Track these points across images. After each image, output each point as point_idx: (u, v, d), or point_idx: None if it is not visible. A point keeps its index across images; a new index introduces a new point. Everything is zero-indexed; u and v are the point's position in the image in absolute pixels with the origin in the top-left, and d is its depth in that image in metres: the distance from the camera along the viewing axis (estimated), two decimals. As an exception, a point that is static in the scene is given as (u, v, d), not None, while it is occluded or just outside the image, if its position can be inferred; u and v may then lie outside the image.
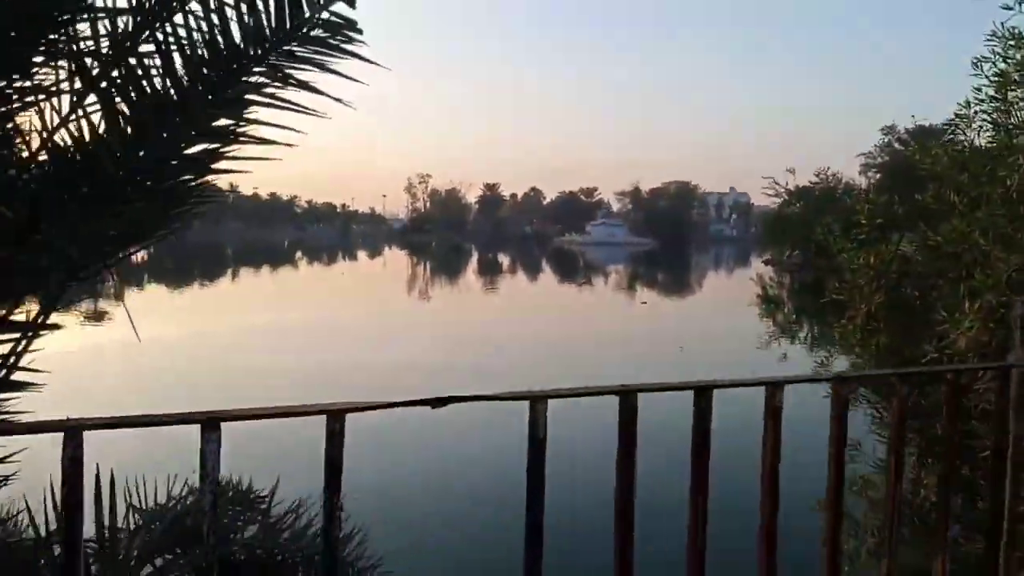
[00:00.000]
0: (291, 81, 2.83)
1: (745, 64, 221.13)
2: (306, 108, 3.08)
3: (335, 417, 1.38)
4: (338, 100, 2.98)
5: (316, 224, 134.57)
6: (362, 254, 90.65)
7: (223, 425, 1.41)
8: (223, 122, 3.13)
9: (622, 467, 1.52)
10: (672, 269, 67.33)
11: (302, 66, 2.95)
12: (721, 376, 1.68)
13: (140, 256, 74.57)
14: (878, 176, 33.28)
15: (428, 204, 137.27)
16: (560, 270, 65.67)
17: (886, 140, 36.76)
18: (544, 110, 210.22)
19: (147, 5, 2.55)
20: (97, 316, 27.87)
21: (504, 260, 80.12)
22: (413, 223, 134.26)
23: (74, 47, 2.53)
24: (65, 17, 2.46)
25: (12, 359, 2.74)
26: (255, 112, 3.12)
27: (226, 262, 67.57)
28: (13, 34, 2.38)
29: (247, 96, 2.98)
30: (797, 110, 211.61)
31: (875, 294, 4.55)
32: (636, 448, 1.51)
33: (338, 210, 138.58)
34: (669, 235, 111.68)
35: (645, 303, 34.65)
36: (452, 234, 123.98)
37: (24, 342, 2.75)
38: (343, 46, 3.13)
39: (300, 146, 3.14)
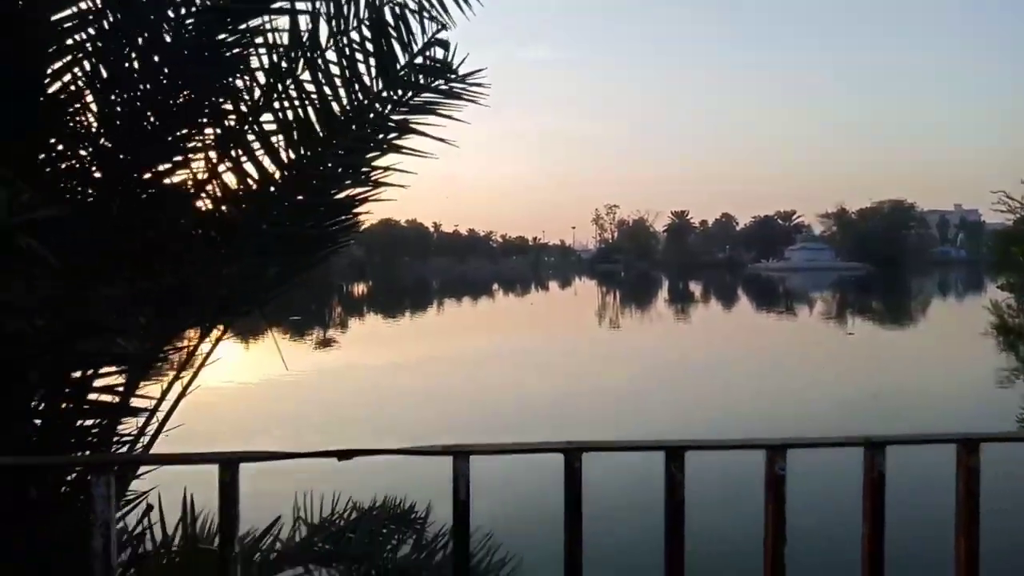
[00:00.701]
0: (391, 126, 3.00)
1: (970, 64, 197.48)
2: (417, 151, 3.26)
3: (227, 467, 1.32)
4: (442, 140, 3.13)
5: (511, 257, 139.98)
6: (553, 284, 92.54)
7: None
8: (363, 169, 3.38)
9: (569, 533, 1.36)
10: (886, 296, 60.83)
11: (404, 111, 3.13)
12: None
13: (360, 289, 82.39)
14: None
15: (616, 234, 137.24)
16: (755, 298, 62.10)
17: None
18: (736, 129, 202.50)
19: (271, 76, 2.85)
20: (326, 343, 31.34)
21: (695, 288, 77.50)
22: (601, 253, 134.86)
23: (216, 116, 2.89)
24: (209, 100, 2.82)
25: (178, 387, 3.14)
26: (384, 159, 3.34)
27: (431, 295, 72.38)
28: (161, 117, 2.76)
29: (370, 143, 3.20)
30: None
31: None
32: (582, 512, 1.34)
33: (530, 243, 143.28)
34: (883, 259, 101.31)
35: (852, 334, 31.60)
36: (641, 263, 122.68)
37: (185, 373, 3.15)
38: (456, 90, 3.27)
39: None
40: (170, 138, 2.77)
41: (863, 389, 18.38)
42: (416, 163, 3.23)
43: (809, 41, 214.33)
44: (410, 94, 3.30)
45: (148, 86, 2.69)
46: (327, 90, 2.82)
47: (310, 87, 2.89)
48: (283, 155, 2.91)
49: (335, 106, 2.90)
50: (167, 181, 2.95)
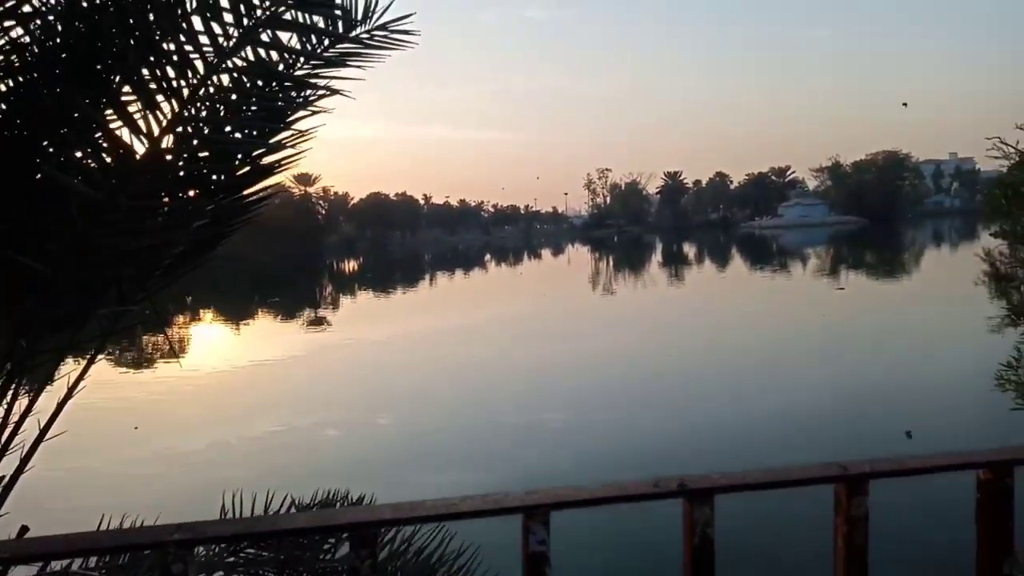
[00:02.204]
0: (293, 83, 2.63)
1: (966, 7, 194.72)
2: (325, 109, 2.93)
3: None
4: (341, 93, 2.79)
5: (502, 227, 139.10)
6: (546, 252, 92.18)
7: None
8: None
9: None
10: (880, 249, 60.67)
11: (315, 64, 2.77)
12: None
13: (351, 266, 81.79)
14: None
15: (608, 199, 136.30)
16: (748, 257, 61.85)
17: None
18: (729, 84, 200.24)
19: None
20: (317, 322, 31.09)
21: (688, 251, 77.19)
22: (594, 219, 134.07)
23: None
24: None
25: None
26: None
27: (424, 267, 71.95)
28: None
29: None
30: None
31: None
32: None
33: (521, 211, 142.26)
34: (877, 211, 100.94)
35: (842, 289, 31.39)
36: (634, 227, 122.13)
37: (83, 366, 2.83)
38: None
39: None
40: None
41: (843, 354, 18.20)
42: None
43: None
44: (319, 44, 2.95)
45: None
46: (183, 39, 2.42)
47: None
48: (147, 123, 2.53)
49: (199, 63, 2.51)
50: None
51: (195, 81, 2.42)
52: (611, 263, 67.34)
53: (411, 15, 3.18)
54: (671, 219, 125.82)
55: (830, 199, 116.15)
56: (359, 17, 3.06)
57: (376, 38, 3.10)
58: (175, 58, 2.39)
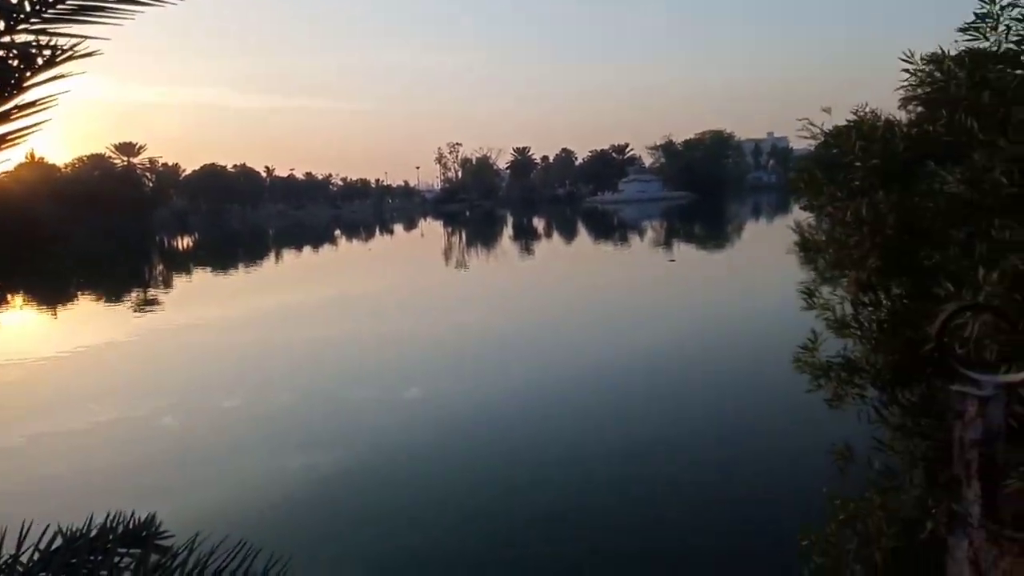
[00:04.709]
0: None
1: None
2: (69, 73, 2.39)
3: None
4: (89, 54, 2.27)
5: (352, 201, 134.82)
6: (398, 228, 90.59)
7: None
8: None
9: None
10: (707, 222, 65.31)
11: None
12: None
13: (185, 243, 75.60)
14: (919, 110, 30.99)
15: (460, 173, 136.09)
16: (592, 231, 64.31)
17: (929, 69, 34.07)
18: (571, 67, 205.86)
19: None
20: (148, 302, 28.42)
21: (538, 224, 78.93)
22: (445, 193, 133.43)
23: None
24: None
25: None
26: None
27: (267, 243, 68.13)
28: None
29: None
30: (850, 43, 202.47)
31: (868, 257, 3.63)
32: None
33: (372, 185, 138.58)
34: (705, 187, 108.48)
35: (673, 261, 33.41)
36: (485, 201, 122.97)
37: None
38: None
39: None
40: None
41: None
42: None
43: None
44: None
45: None
46: None
47: None
48: None
49: None
50: None
51: None
52: (464, 237, 67.37)
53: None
54: (520, 193, 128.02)
55: (664, 175, 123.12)
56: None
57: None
58: None
